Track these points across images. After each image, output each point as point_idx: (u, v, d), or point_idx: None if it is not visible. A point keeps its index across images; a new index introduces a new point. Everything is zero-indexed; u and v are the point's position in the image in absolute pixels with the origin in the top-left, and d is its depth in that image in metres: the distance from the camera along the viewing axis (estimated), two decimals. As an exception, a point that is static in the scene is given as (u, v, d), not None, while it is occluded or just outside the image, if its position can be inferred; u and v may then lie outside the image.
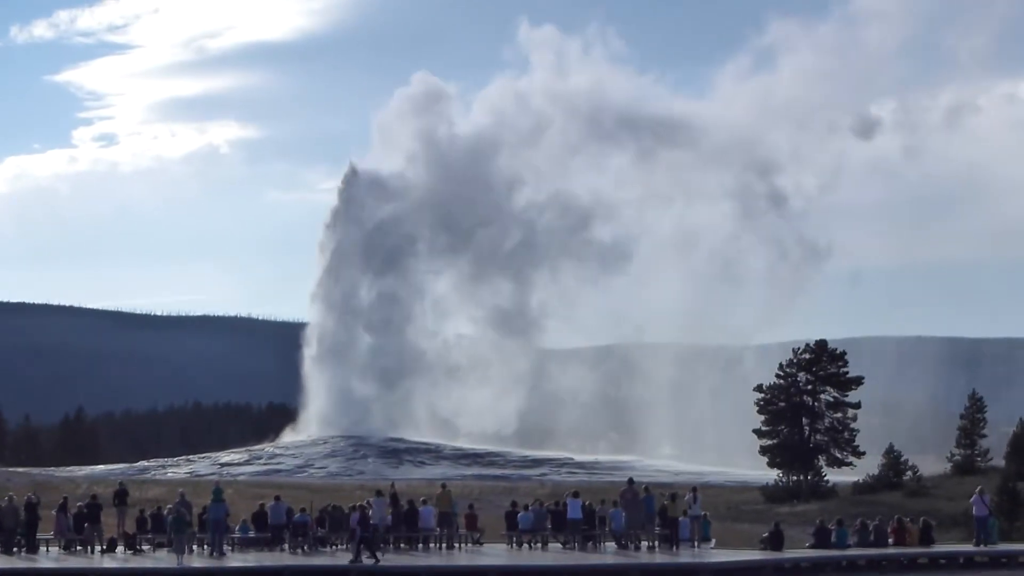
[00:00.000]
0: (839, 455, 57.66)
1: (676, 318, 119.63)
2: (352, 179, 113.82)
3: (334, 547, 33.51)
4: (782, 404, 58.28)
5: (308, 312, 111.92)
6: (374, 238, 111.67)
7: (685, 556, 32.63)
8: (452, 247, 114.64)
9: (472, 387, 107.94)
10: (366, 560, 29.73)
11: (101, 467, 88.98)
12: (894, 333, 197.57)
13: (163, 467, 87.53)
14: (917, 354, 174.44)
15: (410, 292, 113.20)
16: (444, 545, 34.20)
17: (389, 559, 31.09)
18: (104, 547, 32.41)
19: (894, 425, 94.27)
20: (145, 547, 32.87)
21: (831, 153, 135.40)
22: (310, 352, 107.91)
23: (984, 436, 60.65)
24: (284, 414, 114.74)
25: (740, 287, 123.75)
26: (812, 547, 34.90)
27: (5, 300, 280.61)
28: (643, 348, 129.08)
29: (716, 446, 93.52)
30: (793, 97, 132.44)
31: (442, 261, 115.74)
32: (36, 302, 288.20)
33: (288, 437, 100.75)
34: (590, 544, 34.45)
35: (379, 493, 35.00)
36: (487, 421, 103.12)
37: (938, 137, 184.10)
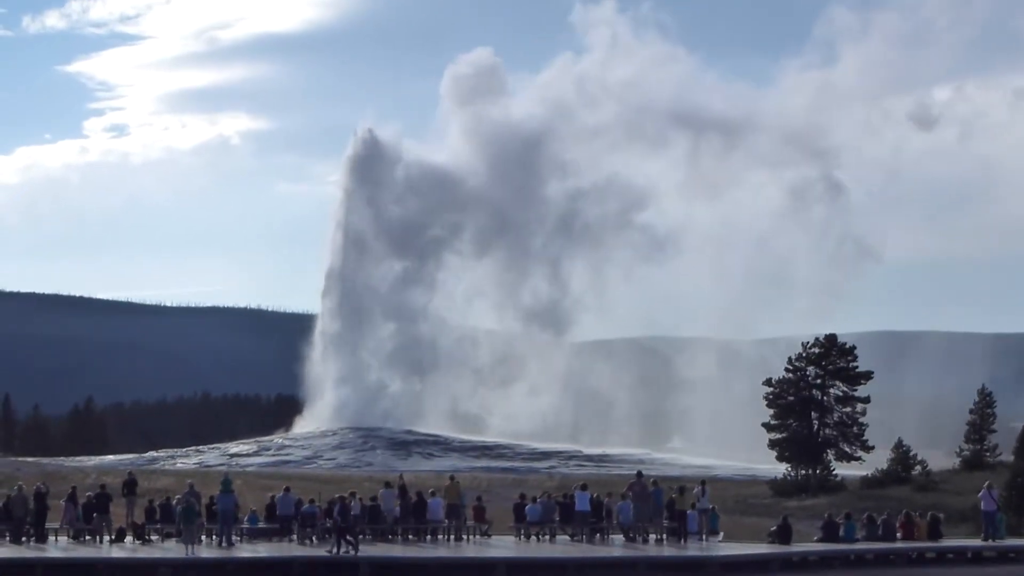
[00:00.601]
0: (848, 449, 57.58)
1: (715, 313, 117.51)
2: (371, 144, 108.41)
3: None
4: (791, 398, 58.17)
5: (320, 301, 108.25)
6: (397, 224, 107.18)
7: (693, 549, 32.63)
8: (488, 235, 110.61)
9: (504, 383, 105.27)
10: (343, 551, 29.74)
11: (110, 457, 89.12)
12: (941, 328, 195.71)
13: (172, 457, 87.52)
14: (962, 350, 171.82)
15: (438, 280, 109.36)
16: (452, 537, 34.18)
17: (397, 550, 31.14)
18: (113, 537, 32.48)
19: (933, 420, 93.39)
20: (154, 537, 32.94)
21: (887, 145, 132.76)
22: (323, 342, 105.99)
23: (993, 431, 60.59)
24: (293, 405, 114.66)
25: (784, 284, 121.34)
26: (820, 541, 34.86)
27: (15, 290, 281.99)
28: (678, 342, 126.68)
29: (745, 443, 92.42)
30: (850, 87, 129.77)
31: (477, 249, 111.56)
32: (46, 292, 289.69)
33: (300, 427, 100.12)
34: (598, 536, 34.46)
35: (388, 485, 35.05)
36: (521, 420, 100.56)
37: (993, 126, 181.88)
